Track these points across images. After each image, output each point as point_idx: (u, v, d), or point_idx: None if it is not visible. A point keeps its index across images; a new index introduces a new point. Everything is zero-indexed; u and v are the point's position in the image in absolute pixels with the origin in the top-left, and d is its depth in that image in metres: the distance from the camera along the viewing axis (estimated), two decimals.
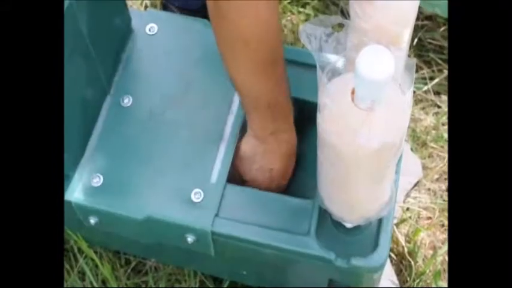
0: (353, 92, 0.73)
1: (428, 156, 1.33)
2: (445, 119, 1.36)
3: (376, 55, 0.71)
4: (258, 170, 1.03)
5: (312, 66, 0.79)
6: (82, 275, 1.22)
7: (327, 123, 0.77)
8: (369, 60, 0.70)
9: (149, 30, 1.13)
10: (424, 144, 1.34)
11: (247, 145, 1.01)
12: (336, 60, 0.79)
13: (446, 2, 1.35)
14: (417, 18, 0.85)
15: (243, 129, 1.03)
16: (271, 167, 1.02)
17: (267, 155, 1.01)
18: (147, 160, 1.03)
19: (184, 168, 1.02)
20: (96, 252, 1.20)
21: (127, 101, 1.07)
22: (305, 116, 1.03)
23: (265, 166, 1.02)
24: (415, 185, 1.29)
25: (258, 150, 1.01)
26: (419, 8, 0.83)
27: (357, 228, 0.94)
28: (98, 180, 1.01)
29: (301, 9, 1.49)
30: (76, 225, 1.07)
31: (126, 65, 1.11)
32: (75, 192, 1.01)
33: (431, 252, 1.24)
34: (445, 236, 1.26)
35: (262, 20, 0.87)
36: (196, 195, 0.99)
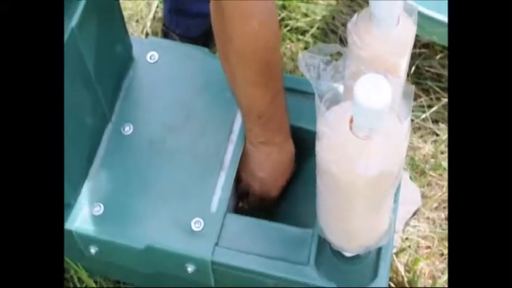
0: (351, 121, 0.74)
1: (427, 185, 1.33)
2: (443, 147, 1.36)
3: (374, 84, 0.71)
4: (249, 174, 1.05)
5: (311, 95, 0.80)
6: None
7: (325, 151, 0.77)
8: (366, 89, 0.71)
9: (150, 58, 1.14)
10: (423, 172, 1.34)
11: (244, 149, 1.03)
12: (334, 88, 0.80)
13: (444, 29, 1.36)
14: (414, 46, 0.86)
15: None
16: (260, 175, 1.04)
17: (256, 162, 1.03)
18: (148, 189, 1.03)
19: (184, 196, 1.02)
20: (96, 282, 1.20)
21: (128, 129, 1.08)
22: (304, 144, 1.03)
23: (255, 172, 1.04)
24: (414, 213, 1.29)
25: (250, 156, 1.03)
26: (417, 36, 0.84)
27: (356, 257, 0.94)
28: (98, 209, 1.01)
29: (300, 37, 1.50)
30: (77, 254, 1.07)
31: (127, 93, 1.11)
32: (76, 221, 1.01)
33: (430, 281, 1.24)
34: (445, 265, 1.25)
35: (261, 37, 0.88)
36: (197, 224, 0.99)
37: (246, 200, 1.11)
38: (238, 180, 1.06)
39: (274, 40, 0.90)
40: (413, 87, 0.79)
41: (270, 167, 1.04)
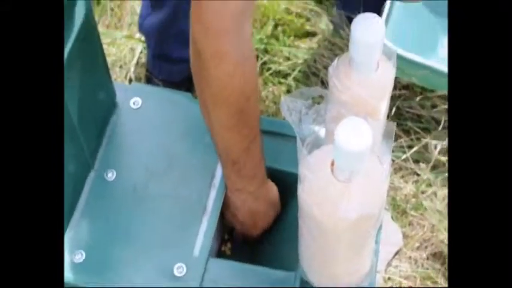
0: (332, 164, 0.75)
1: (409, 225, 1.34)
2: (424, 186, 1.37)
3: (355, 127, 0.73)
4: (230, 216, 1.06)
5: (293, 138, 0.81)
6: None
7: (307, 194, 0.77)
8: (347, 132, 0.72)
9: (133, 104, 1.14)
10: (404, 212, 1.35)
11: (226, 190, 1.04)
12: (315, 132, 0.81)
13: (423, 71, 1.38)
14: (394, 88, 0.88)
15: None
16: (239, 219, 1.05)
17: (234, 207, 1.04)
18: (130, 235, 1.02)
19: (167, 242, 1.01)
20: None
21: (111, 175, 1.08)
22: (286, 187, 1.04)
23: (234, 216, 1.06)
24: (396, 253, 1.29)
25: (229, 201, 1.04)
26: (396, 77, 0.85)
27: None
28: (80, 257, 1.01)
29: (282, 80, 1.52)
30: None
31: (110, 139, 1.11)
32: None
33: None
34: None
35: (235, 82, 0.89)
36: (179, 270, 0.99)
37: (232, 235, 1.12)
38: (222, 216, 1.06)
39: (249, 87, 0.90)
40: (394, 125, 0.80)
41: (247, 213, 1.05)
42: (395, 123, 0.82)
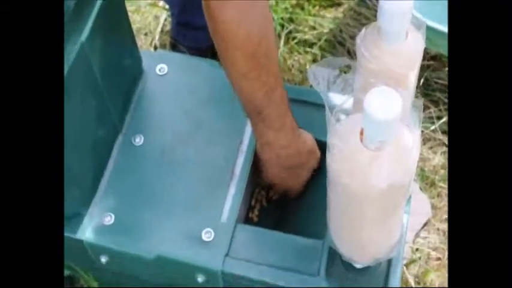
0: (362, 133, 0.74)
1: (437, 196, 1.33)
2: None
3: (384, 96, 0.72)
4: (265, 174, 1.06)
5: (321, 106, 0.81)
6: None
7: (336, 163, 0.77)
8: (376, 101, 0.71)
9: (159, 70, 1.15)
10: (433, 183, 1.34)
11: (256, 149, 1.04)
12: (344, 100, 0.81)
13: None
14: (423, 58, 0.87)
15: None
16: (275, 176, 1.05)
17: (267, 165, 1.04)
18: (158, 199, 1.04)
19: (195, 207, 1.02)
20: None
21: (138, 140, 1.09)
22: None
23: (267, 174, 1.05)
24: (425, 224, 1.29)
25: (261, 157, 1.04)
26: (425, 48, 0.85)
27: (366, 268, 0.94)
28: (109, 219, 1.02)
29: (308, 49, 1.51)
30: (87, 264, 1.08)
31: (137, 104, 1.12)
32: (86, 231, 1.02)
33: None
34: None
35: (254, 34, 0.90)
36: (207, 235, 1.00)
37: (259, 202, 1.12)
38: (251, 182, 1.06)
39: (258, 32, 0.91)
40: (422, 100, 0.79)
41: (283, 168, 1.04)
42: (422, 99, 0.81)
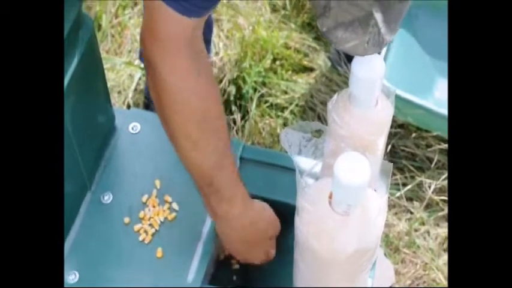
0: (330, 196, 0.76)
1: (401, 262, 1.34)
2: (417, 225, 1.38)
3: (353, 161, 0.74)
4: (225, 248, 1.05)
5: (290, 169, 0.82)
6: None
7: (304, 225, 0.78)
8: (346, 166, 0.73)
9: (132, 128, 1.15)
10: (397, 249, 1.36)
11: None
12: (313, 165, 0.82)
13: (419, 111, 1.40)
14: (390, 126, 0.89)
15: None
16: (233, 251, 1.03)
17: (224, 239, 1.02)
18: (124, 258, 1.03)
19: (161, 267, 1.02)
20: None
21: (107, 198, 1.08)
22: (282, 218, 1.04)
23: (228, 247, 1.03)
24: None
25: (218, 231, 1.01)
26: (392, 116, 0.87)
27: None
28: (73, 277, 1.01)
29: (279, 113, 1.54)
30: None
31: (108, 162, 1.12)
32: None
33: None
34: None
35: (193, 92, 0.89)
36: None
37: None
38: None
39: (208, 99, 0.89)
40: (391, 164, 0.81)
41: (239, 242, 1.01)
42: (391, 163, 0.83)
